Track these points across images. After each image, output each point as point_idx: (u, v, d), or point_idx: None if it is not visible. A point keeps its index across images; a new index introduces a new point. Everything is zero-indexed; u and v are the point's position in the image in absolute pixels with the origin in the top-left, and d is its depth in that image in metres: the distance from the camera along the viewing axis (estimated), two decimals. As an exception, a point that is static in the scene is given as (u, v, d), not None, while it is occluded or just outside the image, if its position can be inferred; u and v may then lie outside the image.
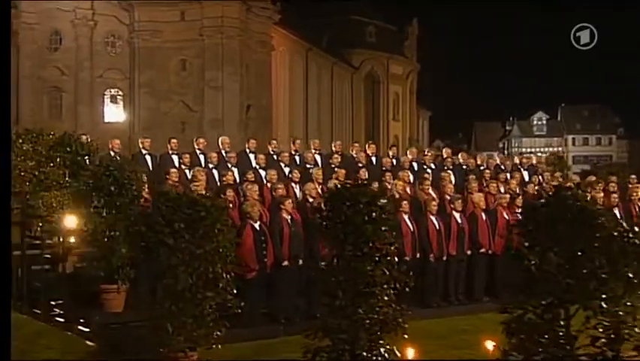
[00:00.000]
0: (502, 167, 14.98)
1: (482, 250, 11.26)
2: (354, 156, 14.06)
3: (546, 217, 4.56)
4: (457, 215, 11.12)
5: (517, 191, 12.85)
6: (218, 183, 11.23)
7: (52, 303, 9.67)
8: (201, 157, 12.37)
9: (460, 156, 15.09)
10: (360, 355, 5.64)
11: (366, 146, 15.09)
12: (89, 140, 11.13)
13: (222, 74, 46.43)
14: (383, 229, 5.80)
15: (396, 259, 6.06)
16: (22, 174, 9.59)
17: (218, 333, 6.70)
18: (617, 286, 4.53)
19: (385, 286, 5.89)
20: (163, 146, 12.78)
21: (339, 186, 6.15)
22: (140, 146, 12.05)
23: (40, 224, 9.59)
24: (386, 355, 5.75)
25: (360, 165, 13.58)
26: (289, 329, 8.89)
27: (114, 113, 48.03)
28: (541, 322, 4.91)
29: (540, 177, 14.46)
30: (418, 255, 10.62)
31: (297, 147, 13.99)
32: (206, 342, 6.64)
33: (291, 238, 9.17)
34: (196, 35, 46.59)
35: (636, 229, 4.86)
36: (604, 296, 4.53)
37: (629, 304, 4.61)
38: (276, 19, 51.01)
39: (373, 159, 14.28)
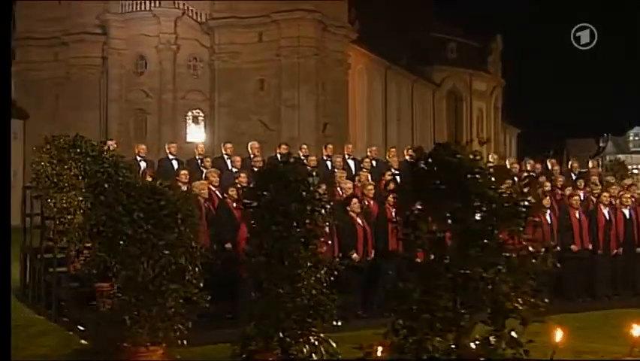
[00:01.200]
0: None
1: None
2: (387, 160, 13.97)
3: (424, 177, 4.09)
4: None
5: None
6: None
7: (62, 303, 9.99)
8: (228, 161, 12.54)
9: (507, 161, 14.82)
10: (287, 342, 5.46)
11: (405, 151, 14.94)
12: (102, 142, 11.40)
13: (299, 93, 47.07)
14: (310, 208, 5.61)
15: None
16: (46, 178, 9.97)
17: (181, 327, 6.55)
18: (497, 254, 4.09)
19: (314, 268, 5.70)
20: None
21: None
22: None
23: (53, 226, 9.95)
24: (316, 343, 5.53)
25: (394, 169, 13.42)
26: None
27: (196, 133, 49.41)
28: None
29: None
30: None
31: (328, 152, 14.07)
32: (170, 337, 6.50)
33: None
34: (273, 56, 47.50)
35: None
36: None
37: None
38: (352, 38, 51.32)
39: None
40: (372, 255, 9.84)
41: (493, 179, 3.89)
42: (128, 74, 49.24)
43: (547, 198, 11.37)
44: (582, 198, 12.03)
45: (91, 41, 49.86)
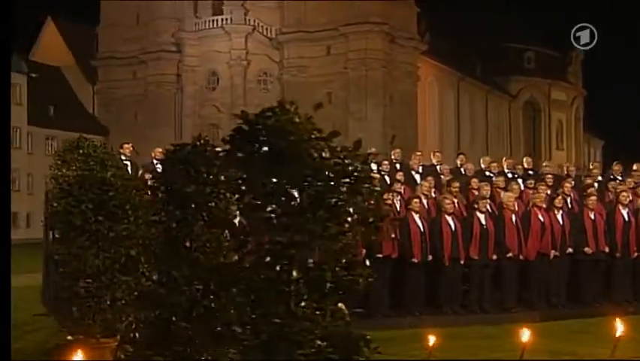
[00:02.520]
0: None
1: (510, 255, 10.48)
2: (435, 164, 13.84)
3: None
4: (480, 216, 10.46)
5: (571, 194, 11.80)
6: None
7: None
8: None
9: (525, 161, 14.35)
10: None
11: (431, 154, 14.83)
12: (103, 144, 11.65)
13: (366, 106, 47.16)
14: (210, 191, 5.42)
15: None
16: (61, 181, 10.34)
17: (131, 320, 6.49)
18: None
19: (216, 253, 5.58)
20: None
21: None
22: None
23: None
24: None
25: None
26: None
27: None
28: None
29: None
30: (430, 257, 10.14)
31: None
32: (122, 330, 6.44)
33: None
34: (341, 69, 47.84)
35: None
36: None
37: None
38: (422, 49, 51.02)
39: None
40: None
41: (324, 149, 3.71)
42: (201, 90, 50.68)
43: (560, 198, 10.94)
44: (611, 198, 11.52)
45: (167, 59, 51.65)
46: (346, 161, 3.60)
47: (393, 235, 9.77)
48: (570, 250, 10.83)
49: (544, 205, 10.76)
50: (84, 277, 6.62)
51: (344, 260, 3.62)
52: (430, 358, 7.02)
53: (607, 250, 10.99)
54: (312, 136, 3.69)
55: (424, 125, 53.16)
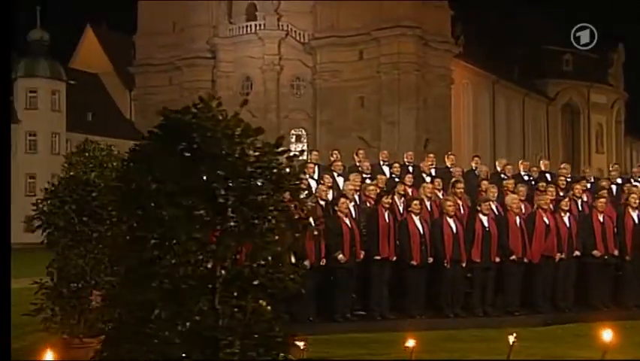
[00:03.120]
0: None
1: (514, 258, 10.34)
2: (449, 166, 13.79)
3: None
4: (483, 218, 10.34)
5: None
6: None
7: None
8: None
9: (542, 164, 14.15)
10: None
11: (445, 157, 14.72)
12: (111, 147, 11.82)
13: (399, 109, 46.96)
14: None
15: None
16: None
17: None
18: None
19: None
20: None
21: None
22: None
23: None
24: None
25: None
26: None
27: (297, 151, 50.28)
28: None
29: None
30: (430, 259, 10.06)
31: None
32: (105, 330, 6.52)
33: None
34: (373, 73, 47.74)
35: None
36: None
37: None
38: (455, 52, 50.62)
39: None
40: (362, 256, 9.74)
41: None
42: (235, 95, 50.99)
43: (566, 200, 10.75)
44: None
45: (202, 65, 52.24)
46: (268, 158, 3.60)
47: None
48: (577, 252, 10.66)
49: (549, 207, 10.60)
50: (68, 277, 6.73)
51: (269, 258, 3.62)
52: (412, 358, 6.97)
53: (616, 252, 10.77)
54: (236, 133, 3.70)
55: (459, 129, 52.70)
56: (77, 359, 6.39)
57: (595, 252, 10.65)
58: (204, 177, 3.48)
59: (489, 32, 57.36)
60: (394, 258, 9.97)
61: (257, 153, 3.68)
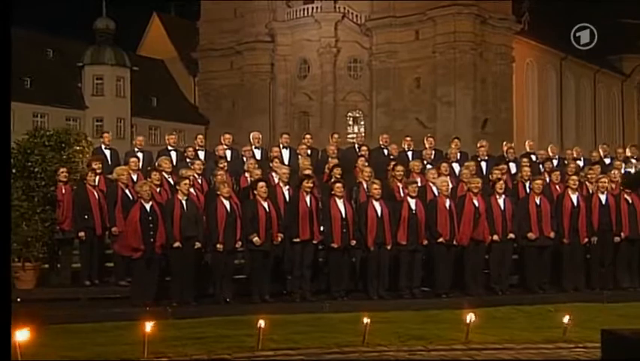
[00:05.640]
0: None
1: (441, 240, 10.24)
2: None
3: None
4: (411, 201, 10.28)
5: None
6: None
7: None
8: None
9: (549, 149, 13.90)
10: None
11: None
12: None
13: (455, 89, 46.16)
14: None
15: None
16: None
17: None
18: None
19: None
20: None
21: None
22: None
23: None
24: None
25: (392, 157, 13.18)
26: (177, 311, 9.27)
27: (355, 133, 50.23)
28: None
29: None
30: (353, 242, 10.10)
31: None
32: None
33: (181, 220, 9.46)
34: (429, 53, 47.04)
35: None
36: None
37: None
38: (516, 30, 49.12)
39: (409, 153, 13.70)
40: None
41: None
42: (293, 78, 51.55)
43: (501, 182, 10.51)
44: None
45: (261, 49, 52.91)
46: None
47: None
48: (512, 235, 10.47)
49: (480, 190, 10.44)
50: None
51: None
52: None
53: (552, 235, 10.50)
54: None
55: (522, 110, 51.25)
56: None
57: (530, 234, 10.43)
58: None
59: (556, 8, 55.18)
60: (316, 241, 10.09)
61: None
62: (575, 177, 10.59)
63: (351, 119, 50.68)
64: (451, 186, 10.89)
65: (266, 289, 9.88)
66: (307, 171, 10.75)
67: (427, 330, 8.09)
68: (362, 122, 50.34)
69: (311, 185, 10.09)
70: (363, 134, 45.67)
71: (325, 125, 49.41)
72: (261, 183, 9.84)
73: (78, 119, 47.77)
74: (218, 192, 9.73)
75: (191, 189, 9.99)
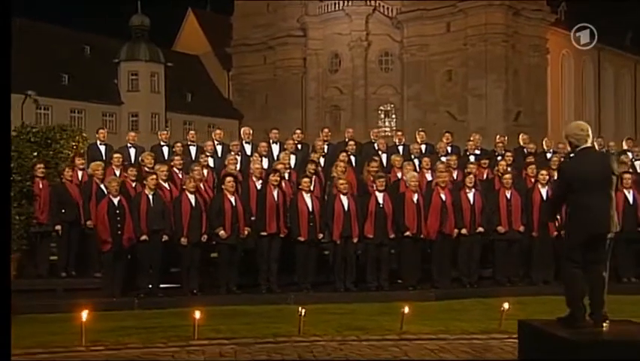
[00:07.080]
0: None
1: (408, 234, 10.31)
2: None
3: None
4: (378, 195, 10.36)
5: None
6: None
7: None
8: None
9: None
10: None
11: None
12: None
13: (486, 82, 45.67)
14: None
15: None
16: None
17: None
18: None
19: None
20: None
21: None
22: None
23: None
24: None
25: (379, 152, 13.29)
26: (144, 302, 9.58)
27: (387, 127, 50.12)
28: None
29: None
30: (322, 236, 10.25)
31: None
32: None
33: (148, 214, 9.73)
34: (460, 45, 46.64)
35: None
36: None
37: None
38: (551, 21, 48.28)
39: (400, 148, 13.75)
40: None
41: None
42: (324, 72, 51.67)
43: (471, 176, 10.49)
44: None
45: (293, 44, 53.14)
46: None
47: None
48: (481, 228, 10.47)
49: (448, 185, 10.48)
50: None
51: None
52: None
53: (522, 229, 10.47)
54: None
55: (558, 101, 50.41)
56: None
57: (499, 228, 10.42)
58: None
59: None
60: (282, 235, 10.27)
61: None
62: (544, 172, 10.52)
63: (383, 112, 50.59)
64: (431, 180, 10.96)
65: (233, 281, 10.09)
66: (279, 166, 10.92)
67: (374, 321, 8.19)
68: (393, 116, 50.21)
69: (278, 179, 10.26)
70: (394, 128, 45.48)
71: (357, 119, 49.36)
72: (229, 178, 10.07)
73: (114, 115, 48.87)
74: (184, 187, 9.98)
75: (200, 184, 10.32)
